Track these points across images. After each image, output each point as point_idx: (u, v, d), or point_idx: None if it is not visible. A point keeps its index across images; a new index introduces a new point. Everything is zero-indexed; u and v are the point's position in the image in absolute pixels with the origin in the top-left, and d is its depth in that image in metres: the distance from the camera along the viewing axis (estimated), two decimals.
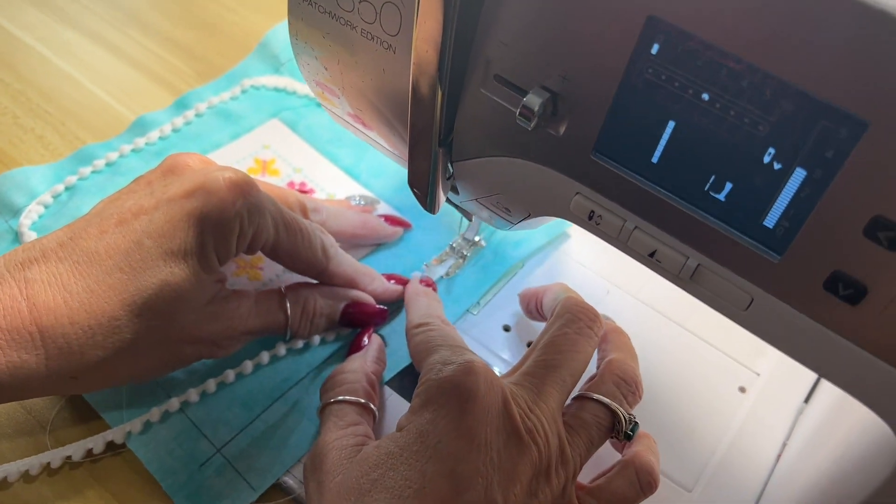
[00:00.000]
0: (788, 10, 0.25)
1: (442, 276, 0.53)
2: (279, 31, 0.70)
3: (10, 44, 0.68)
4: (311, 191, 0.58)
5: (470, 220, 0.50)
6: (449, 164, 0.39)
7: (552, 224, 0.57)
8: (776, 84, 0.27)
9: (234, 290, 0.44)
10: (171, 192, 0.40)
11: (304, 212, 0.49)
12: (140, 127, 0.62)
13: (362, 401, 0.42)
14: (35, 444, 0.43)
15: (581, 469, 0.38)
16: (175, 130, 0.62)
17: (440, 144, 0.37)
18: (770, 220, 0.29)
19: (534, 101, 0.32)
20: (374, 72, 0.37)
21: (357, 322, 0.49)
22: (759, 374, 0.51)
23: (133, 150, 0.60)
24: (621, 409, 0.40)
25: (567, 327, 0.41)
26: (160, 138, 0.61)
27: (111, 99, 0.65)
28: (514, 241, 0.56)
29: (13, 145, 0.60)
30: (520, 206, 0.38)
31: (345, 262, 0.48)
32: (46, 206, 0.55)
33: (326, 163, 0.61)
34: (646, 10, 0.28)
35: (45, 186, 0.56)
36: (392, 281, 0.51)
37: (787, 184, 0.28)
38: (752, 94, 0.27)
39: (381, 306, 0.50)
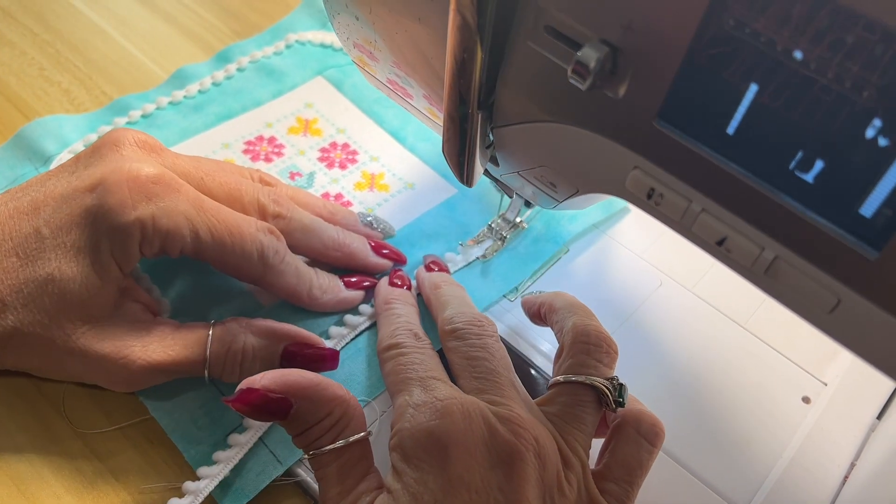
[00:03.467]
0: None
1: (478, 258, 0.49)
2: None
3: None
4: (355, 152, 0.56)
5: (511, 197, 0.45)
6: (489, 132, 0.34)
7: (605, 203, 0.53)
8: (890, 37, 0.22)
9: (150, 318, 0.40)
10: (78, 181, 0.37)
11: (263, 214, 0.43)
12: (179, 79, 0.59)
13: (367, 432, 0.35)
14: (43, 419, 0.41)
15: (588, 457, 0.35)
16: (215, 84, 0.59)
17: (479, 107, 0.32)
18: (868, 208, 0.24)
19: (590, 55, 0.27)
20: (409, 21, 0.33)
21: (301, 366, 0.40)
22: (825, 384, 0.46)
23: (171, 103, 0.57)
24: (598, 380, 0.36)
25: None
26: (199, 92, 0.59)
27: (142, 55, 0.62)
28: (561, 222, 0.51)
29: (37, 97, 0.57)
30: (567, 180, 0.33)
31: (288, 271, 0.41)
32: None
33: (371, 124, 0.58)
34: None
35: (78, 135, 0.54)
36: (365, 283, 0.45)
37: (895, 164, 0.23)
38: (859, 49, 0.22)
39: (332, 347, 0.42)
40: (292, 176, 0.54)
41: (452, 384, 0.35)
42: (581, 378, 0.36)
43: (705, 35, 0.25)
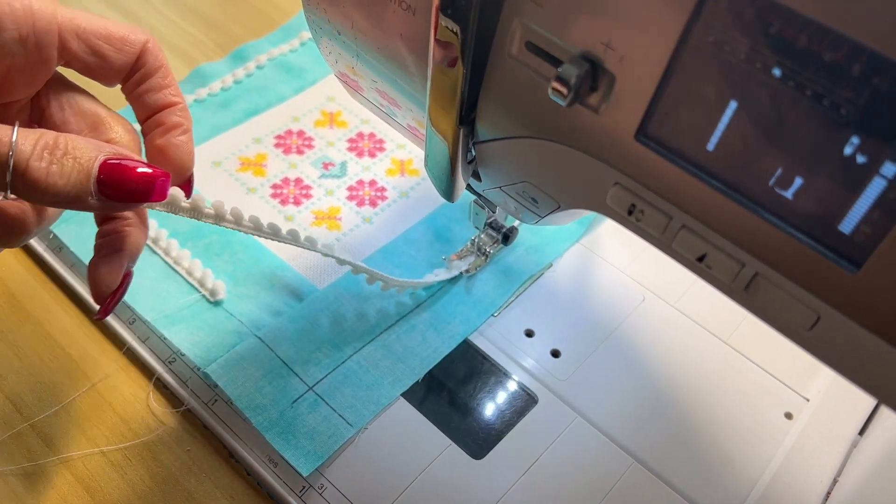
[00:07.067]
0: None
1: (462, 273, 0.49)
2: None
3: None
4: (382, 141, 0.58)
5: (493, 212, 0.45)
6: (471, 146, 0.34)
7: (587, 219, 0.53)
8: (867, 57, 0.22)
9: None
10: None
11: None
12: (198, 78, 0.61)
13: None
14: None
15: None
16: (237, 82, 0.61)
17: (461, 122, 0.32)
18: (847, 225, 0.24)
19: (570, 72, 0.27)
20: (391, 37, 0.33)
21: (120, 194, 0.30)
22: (808, 400, 0.46)
23: (196, 101, 0.59)
24: None
25: None
26: (222, 90, 0.60)
27: None
28: (546, 238, 0.51)
29: None
30: (549, 196, 0.33)
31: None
32: None
33: None
34: None
35: None
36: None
37: (873, 182, 0.23)
38: (837, 69, 0.22)
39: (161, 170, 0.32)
40: (325, 166, 0.56)
41: None
42: None
43: (684, 53, 0.25)
